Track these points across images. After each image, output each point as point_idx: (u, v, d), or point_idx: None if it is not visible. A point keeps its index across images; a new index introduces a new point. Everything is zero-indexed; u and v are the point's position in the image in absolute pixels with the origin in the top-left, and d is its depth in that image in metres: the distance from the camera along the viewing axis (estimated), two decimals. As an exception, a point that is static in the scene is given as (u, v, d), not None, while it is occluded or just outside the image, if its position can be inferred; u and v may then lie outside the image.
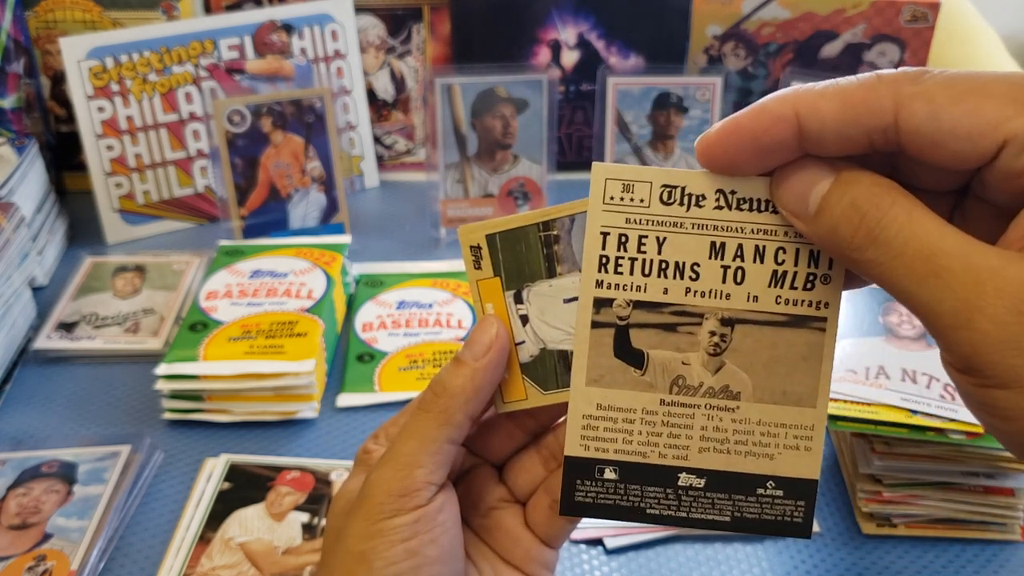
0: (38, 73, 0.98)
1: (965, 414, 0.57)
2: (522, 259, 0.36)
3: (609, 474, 0.34)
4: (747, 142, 0.30)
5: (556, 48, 1.01)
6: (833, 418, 0.59)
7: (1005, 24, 1.39)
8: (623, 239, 0.33)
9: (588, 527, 0.61)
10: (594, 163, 0.33)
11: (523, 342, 0.36)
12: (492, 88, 0.90)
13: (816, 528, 0.62)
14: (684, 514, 0.34)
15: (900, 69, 0.28)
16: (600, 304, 0.33)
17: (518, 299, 0.36)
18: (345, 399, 0.73)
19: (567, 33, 1.00)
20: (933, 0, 0.95)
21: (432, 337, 0.78)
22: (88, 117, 0.91)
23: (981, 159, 0.27)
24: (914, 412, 0.58)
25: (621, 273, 0.33)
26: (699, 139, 0.32)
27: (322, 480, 0.65)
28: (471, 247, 0.36)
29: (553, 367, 0.36)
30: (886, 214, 0.28)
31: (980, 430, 0.56)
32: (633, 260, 0.33)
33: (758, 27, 0.99)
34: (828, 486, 0.65)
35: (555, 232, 0.35)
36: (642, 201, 0.33)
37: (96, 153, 0.92)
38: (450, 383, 0.36)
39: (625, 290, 0.33)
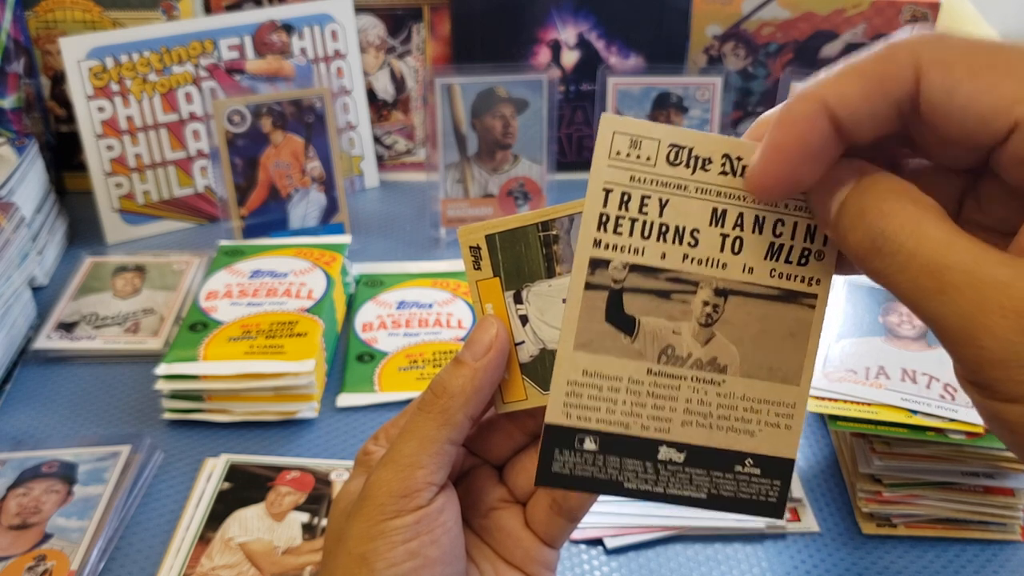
0: (38, 73, 0.98)
1: (965, 414, 0.57)
2: (522, 259, 0.36)
3: (589, 444, 0.33)
4: (795, 155, 0.29)
5: (556, 48, 1.01)
6: (833, 418, 0.59)
7: (1005, 24, 1.39)
8: (625, 198, 0.32)
9: (588, 527, 0.61)
10: (603, 115, 0.32)
11: (523, 342, 0.36)
12: (492, 88, 0.90)
13: (816, 528, 0.62)
14: (661, 489, 0.33)
15: (918, 32, 0.27)
16: (596, 265, 0.32)
17: (518, 299, 0.36)
18: (345, 399, 0.73)
19: (567, 33, 1.00)
20: (933, 0, 0.95)
21: (432, 337, 0.78)
22: (88, 117, 0.91)
23: (992, 139, 0.26)
24: (914, 412, 0.58)
25: (620, 234, 0.32)
26: (747, 175, 0.31)
27: (322, 480, 0.65)
28: (471, 247, 0.36)
29: (553, 367, 0.36)
30: (891, 223, 0.27)
31: (980, 430, 0.56)
32: (634, 221, 0.32)
33: (758, 27, 0.99)
34: (828, 486, 0.65)
35: (554, 232, 0.35)
36: (648, 159, 0.32)
37: (96, 153, 0.92)
38: (450, 383, 0.35)
39: (623, 252, 0.32)
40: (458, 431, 0.36)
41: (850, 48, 0.98)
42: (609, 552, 0.60)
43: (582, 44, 1.01)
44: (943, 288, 0.26)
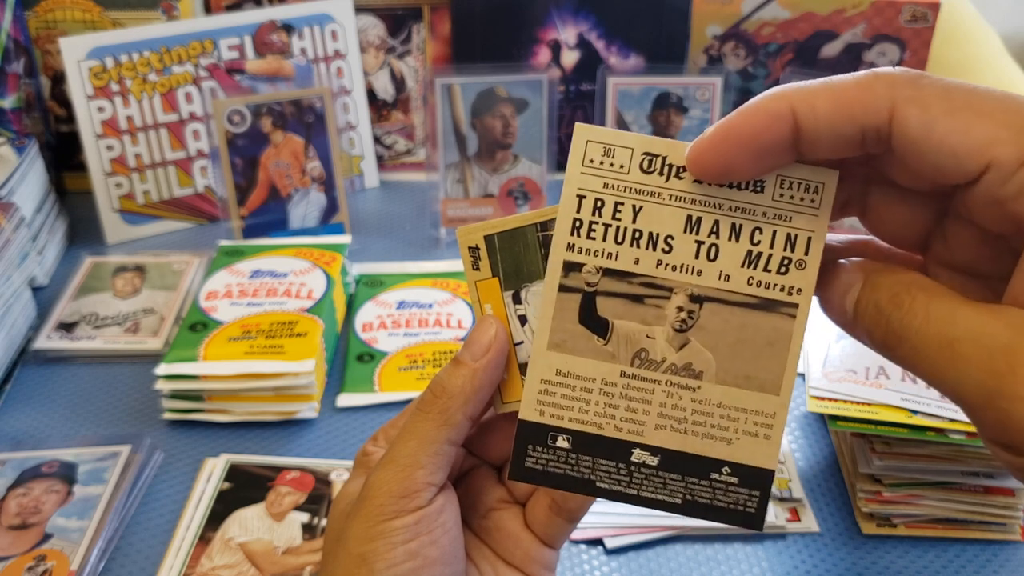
0: (38, 73, 0.98)
1: (965, 414, 0.57)
2: (520, 259, 0.36)
3: (562, 442, 0.33)
4: (744, 144, 0.29)
5: (556, 48, 1.01)
6: (833, 418, 0.59)
7: (1005, 24, 1.39)
8: (599, 204, 0.32)
9: (588, 527, 0.61)
10: (577, 124, 0.33)
11: (522, 342, 0.36)
12: (492, 88, 0.90)
13: (816, 528, 0.62)
14: (635, 491, 0.33)
15: (898, 68, 0.28)
16: (570, 268, 0.33)
17: (517, 299, 0.36)
18: (345, 399, 0.73)
19: (567, 33, 1.00)
20: (933, 0, 0.95)
21: (432, 337, 0.78)
22: (88, 117, 0.91)
23: (963, 177, 0.27)
24: (914, 412, 0.58)
25: (594, 239, 0.33)
26: (690, 148, 0.31)
27: (322, 480, 0.65)
28: (469, 248, 0.36)
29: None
30: (906, 314, 0.28)
31: (980, 430, 0.56)
32: (607, 226, 0.33)
33: (758, 27, 0.98)
34: (828, 486, 0.65)
35: (553, 232, 0.35)
36: (622, 167, 0.32)
37: (96, 153, 0.92)
38: (449, 384, 0.35)
39: (596, 256, 0.33)
40: (457, 431, 0.36)
41: (850, 48, 0.98)
42: (609, 552, 0.60)
43: (582, 44, 1.01)
44: (954, 360, 0.27)
